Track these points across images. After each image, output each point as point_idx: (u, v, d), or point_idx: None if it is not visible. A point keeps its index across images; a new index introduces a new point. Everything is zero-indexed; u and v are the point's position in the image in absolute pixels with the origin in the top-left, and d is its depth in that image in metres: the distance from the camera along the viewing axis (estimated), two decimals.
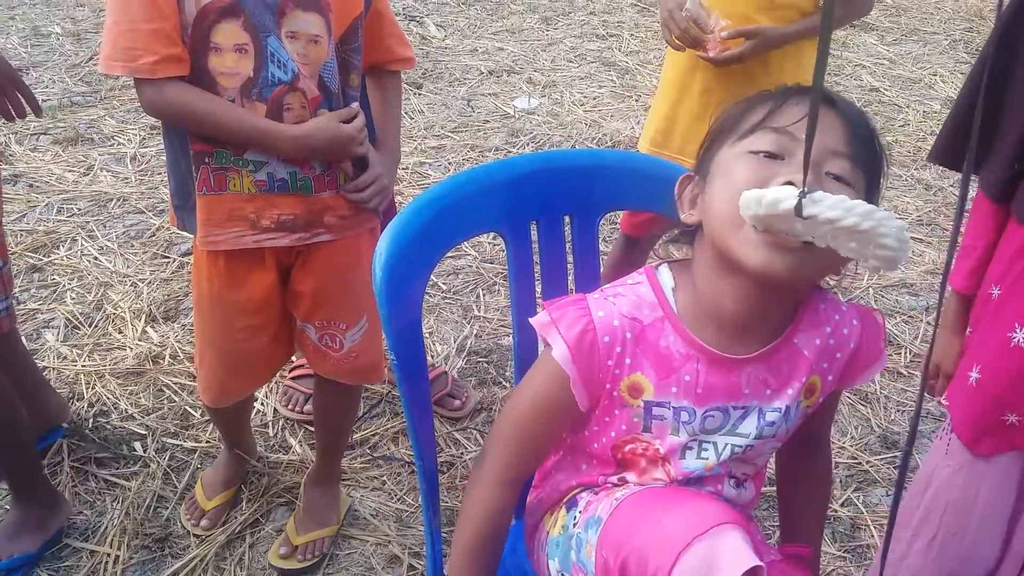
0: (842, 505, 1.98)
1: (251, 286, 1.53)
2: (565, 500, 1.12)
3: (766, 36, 1.79)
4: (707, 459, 1.04)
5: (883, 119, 3.86)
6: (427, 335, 2.44)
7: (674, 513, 0.92)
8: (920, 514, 1.37)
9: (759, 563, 0.85)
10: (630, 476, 1.08)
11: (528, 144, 3.52)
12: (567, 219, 1.25)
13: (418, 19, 4.76)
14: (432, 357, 2.35)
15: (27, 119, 3.40)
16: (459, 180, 1.21)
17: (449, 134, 3.56)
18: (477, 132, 3.59)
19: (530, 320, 1.07)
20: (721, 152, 1.01)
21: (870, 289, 2.73)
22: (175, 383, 2.19)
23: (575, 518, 1.07)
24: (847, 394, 2.28)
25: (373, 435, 2.11)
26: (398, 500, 1.94)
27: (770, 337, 1.03)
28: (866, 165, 0.97)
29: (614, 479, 1.09)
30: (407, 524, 1.88)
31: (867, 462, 2.09)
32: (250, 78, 1.37)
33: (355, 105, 1.49)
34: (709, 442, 1.04)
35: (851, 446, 2.14)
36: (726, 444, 1.04)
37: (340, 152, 1.46)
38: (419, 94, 3.90)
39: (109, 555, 1.76)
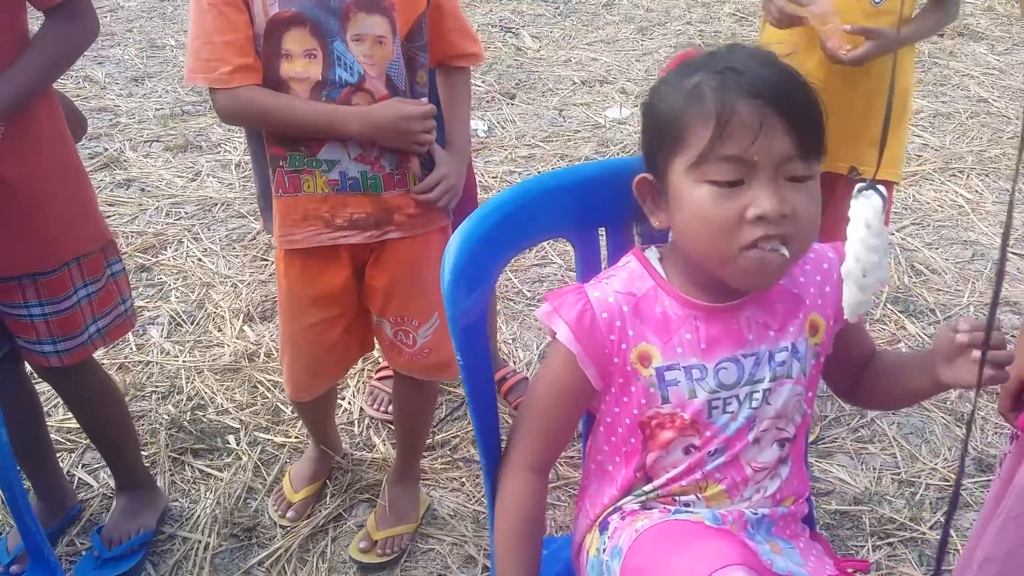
0: (931, 528, 1.91)
1: (325, 281, 1.59)
2: (599, 521, 1.15)
3: (886, 38, 1.74)
4: (733, 411, 1.08)
5: (990, 131, 3.71)
6: (510, 341, 2.48)
7: (684, 554, 0.95)
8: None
9: None
10: (654, 456, 1.10)
11: (618, 154, 3.52)
12: (635, 225, 1.26)
13: (514, 31, 4.82)
14: (515, 363, 2.38)
15: (141, 127, 3.62)
16: (528, 185, 1.24)
17: (540, 144, 3.59)
18: (567, 142, 3.62)
19: (536, 313, 1.14)
20: (676, 170, 1.03)
21: (971, 307, 2.62)
22: (268, 380, 2.28)
23: (604, 544, 1.10)
24: (941, 414, 2.20)
25: (454, 437, 2.15)
26: (476, 502, 1.97)
27: None
28: (812, 140, 1.01)
29: (645, 490, 1.11)
30: (484, 526, 1.91)
31: (960, 485, 2.01)
32: (319, 81, 1.45)
33: (424, 100, 1.54)
34: (732, 396, 1.08)
35: (943, 468, 2.06)
36: (747, 394, 1.08)
37: (404, 129, 1.49)
38: (512, 104, 3.95)
39: (200, 542, 1.85)
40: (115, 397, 1.82)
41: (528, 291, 2.69)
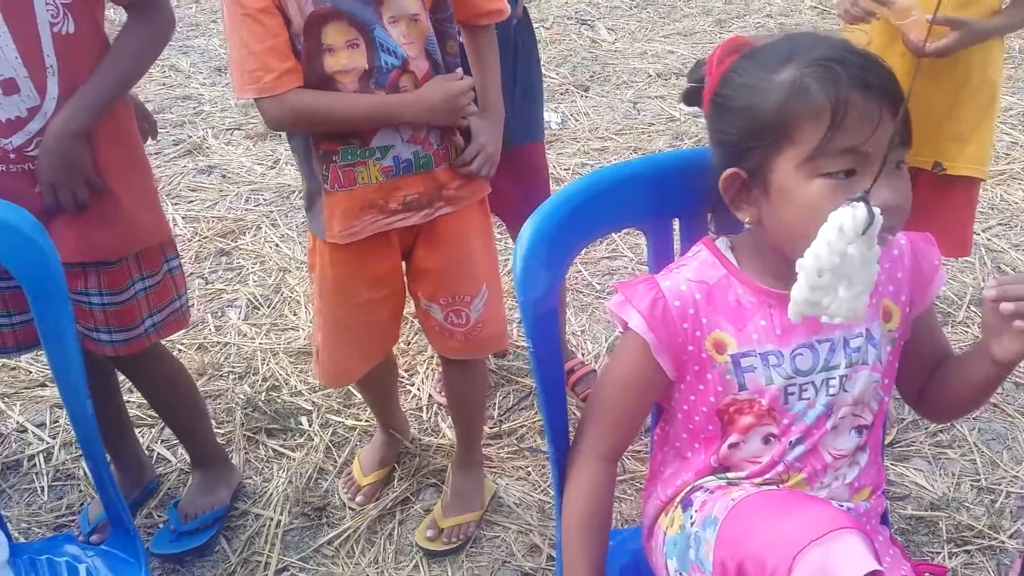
0: (1011, 537, 1.85)
1: (375, 265, 1.62)
2: (680, 499, 1.13)
3: (972, 29, 1.69)
4: (809, 398, 1.07)
5: None
6: (579, 333, 2.47)
7: (792, 516, 0.93)
8: None
9: (878, 567, 0.83)
10: (735, 441, 1.09)
11: (692, 147, 3.48)
12: (709, 215, 1.25)
13: (589, 22, 4.80)
14: (583, 355, 2.37)
15: (223, 115, 3.71)
16: (602, 175, 1.23)
17: (613, 136, 3.57)
18: (641, 135, 3.59)
19: (606, 304, 1.14)
20: (782, 166, 1.01)
21: None
22: None
23: (691, 517, 1.08)
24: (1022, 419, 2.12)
25: (521, 427, 2.16)
26: (541, 492, 1.98)
27: None
28: (908, 126, 1.01)
29: (728, 476, 1.10)
30: (549, 516, 1.91)
31: None
32: (366, 70, 1.46)
33: (458, 70, 1.56)
34: (808, 383, 1.07)
35: None
36: (823, 380, 1.07)
37: (455, 107, 1.52)
38: (585, 96, 3.93)
39: (272, 519, 1.90)
40: (182, 382, 1.86)
41: (598, 283, 2.69)
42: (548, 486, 1.99)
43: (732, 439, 1.10)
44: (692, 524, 1.07)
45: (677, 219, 1.26)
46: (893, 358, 1.13)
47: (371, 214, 1.55)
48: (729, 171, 1.07)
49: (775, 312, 1.07)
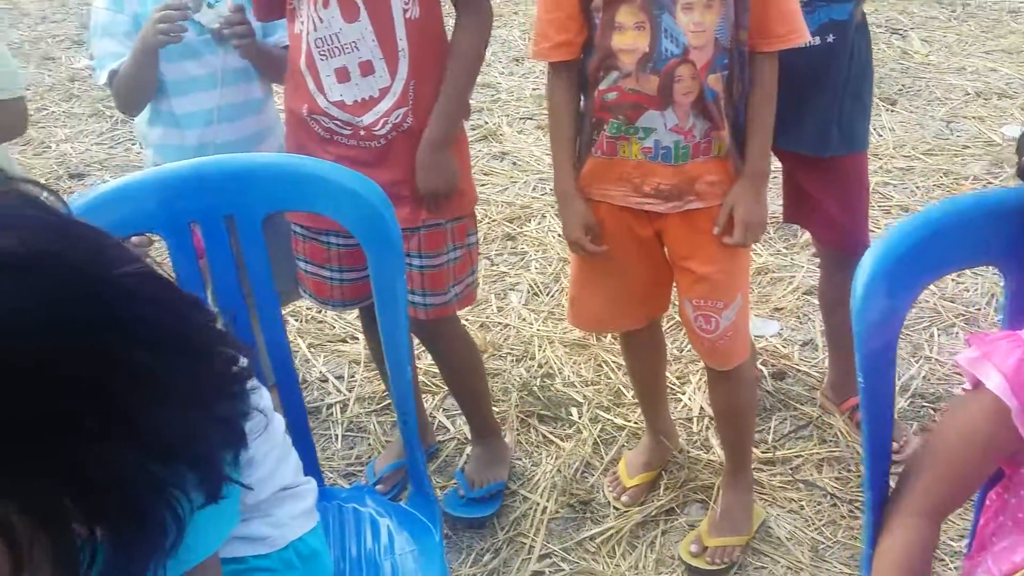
0: None
1: (635, 231, 1.64)
2: None
3: None
4: None
5: None
6: None
7: None
8: None
9: None
10: None
11: (1014, 177, 3.13)
12: None
13: (901, 32, 4.47)
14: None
15: (518, 104, 3.83)
16: (962, 204, 1.13)
17: (920, 156, 3.30)
18: (954, 157, 3.29)
19: (956, 358, 1.02)
20: None
21: None
22: (613, 361, 2.33)
23: None
24: None
25: (796, 456, 2.05)
26: (815, 530, 1.87)
27: None
28: None
29: None
30: (822, 557, 1.81)
31: None
32: (646, 53, 1.47)
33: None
34: None
35: None
36: None
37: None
38: (892, 111, 3.67)
39: (539, 504, 1.93)
40: (474, 354, 1.95)
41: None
42: (823, 524, 1.88)
43: None
44: None
45: None
46: None
47: (626, 188, 1.59)
48: None
49: None
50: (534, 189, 3.22)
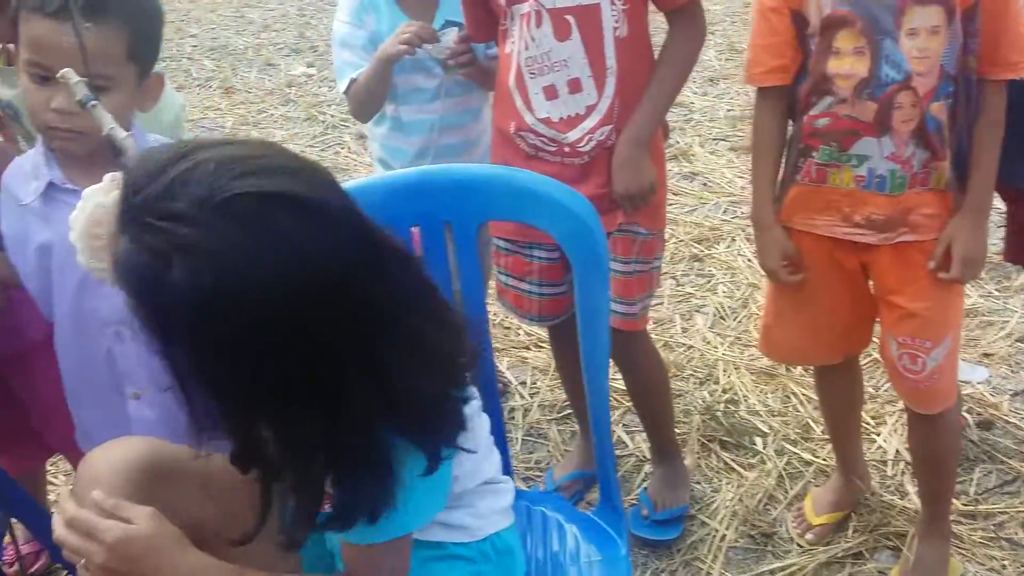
0: None
1: (836, 260, 1.59)
2: None
3: None
4: None
5: None
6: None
7: None
8: None
9: None
10: None
11: None
12: None
13: None
14: None
15: (711, 125, 3.79)
16: None
17: None
18: None
19: None
20: None
21: None
22: (802, 393, 2.25)
23: None
24: None
25: (1001, 513, 1.91)
26: None
27: None
28: None
29: None
30: None
31: None
32: (864, 79, 1.43)
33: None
34: None
35: None
36: None
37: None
38: None
39: (717, 532, 1.90)
40: (663, 373, 1.94)
41: None
42: None
43: None
44: None
45: None
46: None
47: (834, 217, 1.54)
48: None
49: None
50: (724, 212, 3.16)
